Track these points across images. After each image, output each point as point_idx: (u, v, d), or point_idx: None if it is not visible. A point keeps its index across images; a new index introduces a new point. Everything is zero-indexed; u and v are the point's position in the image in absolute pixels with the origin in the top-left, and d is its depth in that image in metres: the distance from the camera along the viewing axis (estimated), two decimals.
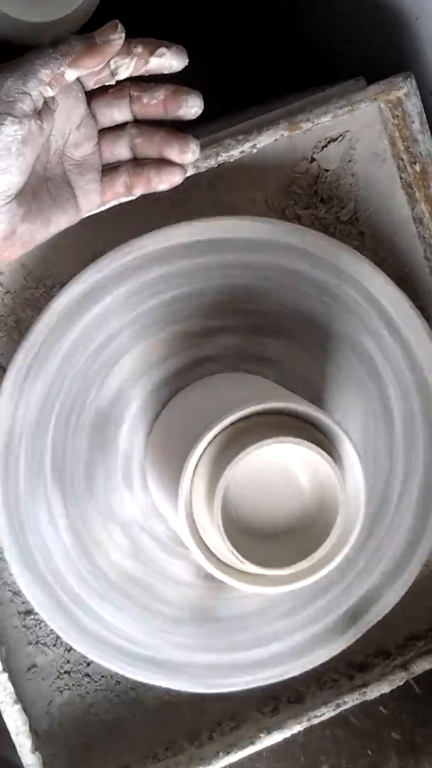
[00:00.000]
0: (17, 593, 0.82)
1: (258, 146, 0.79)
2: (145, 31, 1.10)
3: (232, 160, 0.79)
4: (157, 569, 0.81)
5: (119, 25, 0.66)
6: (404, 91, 0.79)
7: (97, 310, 0.78)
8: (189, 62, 0.71)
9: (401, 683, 0.85)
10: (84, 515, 0.80)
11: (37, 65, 0.64)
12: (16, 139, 0.64)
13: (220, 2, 1.13)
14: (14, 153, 0.64)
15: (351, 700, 0.85)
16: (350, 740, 0.98)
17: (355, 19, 0.90)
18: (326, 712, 0.84)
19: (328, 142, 0.82)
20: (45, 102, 0.66)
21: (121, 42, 0.66)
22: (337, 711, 0.85)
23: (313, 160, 0.82)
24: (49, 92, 0.65)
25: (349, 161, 0.83)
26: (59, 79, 0.65)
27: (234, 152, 0.79)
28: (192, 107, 0.69)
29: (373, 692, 0.85)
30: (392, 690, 0.86)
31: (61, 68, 0.65)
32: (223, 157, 0.78)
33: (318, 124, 0.80)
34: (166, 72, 0.69)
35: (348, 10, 0.90)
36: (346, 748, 0.98)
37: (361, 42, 0.91)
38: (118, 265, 0.78)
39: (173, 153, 0.70)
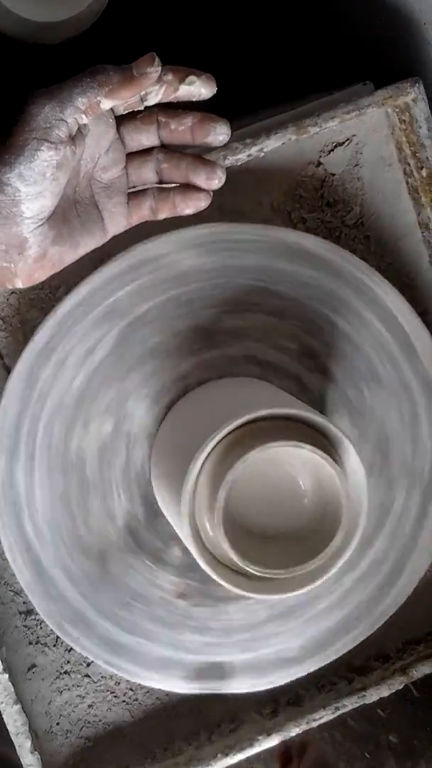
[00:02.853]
0: (18, 593, 0.82)
1: (265, 150, 0.79)
2: (153, 30, 1.10)
3: (239, 163, 0.79)
4: (104, 482, 0.80)
5: (156, 59, 0.66)
6: (412, 96, 0.80)
7: (100, 312, 0.78)
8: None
9: (400, 687, 0.85)
10: None
11: (75, 94, 0.65)
12: (51, 165, 0.65)
13: (228, 4, 1.12)
14: (49, 178, 0.65)
15: (350, 704, 0.85)
16: (348, 743, 0.98)
17: (364, 23, 0.90)
18: (325, 715, 0.84)
19: (335, 146, 0.82)
20: (78, 128, 0.67)
21: (157, 75, 0.67)
22: (336, 714, 0.85)
23: (319, 164, 0.82)
24: (84, 120, 0.66)
25: (356, 165, 0.83)
26: (95, 108, 0.66)
27: (241, 156, 0.79)
28: (219, 135, 0.70)
29: (373, 696, 0.85)
30: (390, 693, 0.86)
31: (98, 98, 0.66)
32: (231, 161, 0.79)
33: (325, 128, 0.80)
34: (194, 99, 0.69)
35: (357, 15, 0.91)
36: (344, 750, 0.98)
37: (369, 46, 0.91)
38: (123, 269, 0.78)
39: (199, 179, 0.71)
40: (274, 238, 0.79)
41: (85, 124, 0.68)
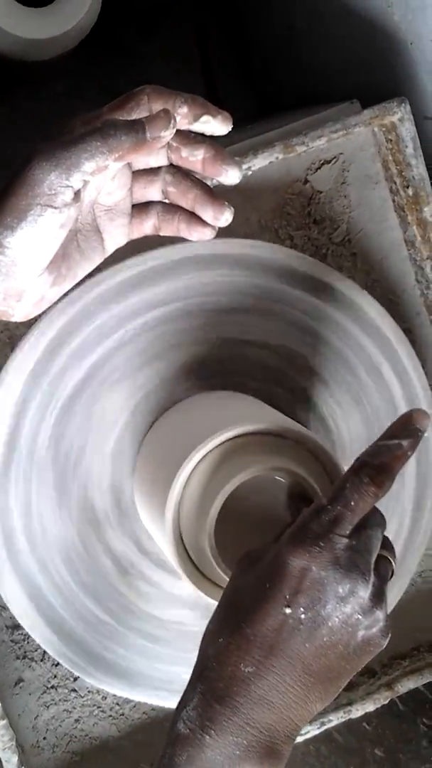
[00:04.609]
0: (4, 607, 0.82)
1: (253, 168, 0.79)
2: (143, 45, 1.11)
3: None
4: None
5: (171, 121, 0.64)
6: (398, 116, 0.80)
7: (88, 330, 0.78)
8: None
9: (386, 702, 0.86)
10: None
11: (83, 159, 0.62)
12: (54, 227, 0.64)
13: (218, 22, 1.13)
14: (51, 237, 0.64)
15: (336, 719, 0.85)
16: (334, 756, 0.99)
17: (351, 42, 0.91)
18: (311, 730, 0.85)
19: (322, 164, 0.83)
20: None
21: (170, 136, 0.64)
22: (322, 729, 0.85)
23: (306, 181, 0.83)
24: (90, 180, 0.64)
25: (343, 183, 0.83)
26: (102, 170, 0.64)
27: None
28: (231, 177, 0.68)
29: (358, 711, 0.85)
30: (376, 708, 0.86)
31: (106, 162, 0.63)
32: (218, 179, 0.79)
33: (312, 147, 0.80)
34: (207, 133, 0.68)
35: (344, 34, 0.91)
36: (330, 764, 0.98)
37: (356, 65, 0.91)
38: (108, 286, 0.78)
39: (206, 215, 0.69)
40: (261, 255, 0.80)
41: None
